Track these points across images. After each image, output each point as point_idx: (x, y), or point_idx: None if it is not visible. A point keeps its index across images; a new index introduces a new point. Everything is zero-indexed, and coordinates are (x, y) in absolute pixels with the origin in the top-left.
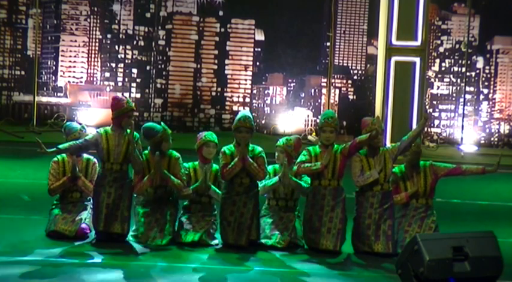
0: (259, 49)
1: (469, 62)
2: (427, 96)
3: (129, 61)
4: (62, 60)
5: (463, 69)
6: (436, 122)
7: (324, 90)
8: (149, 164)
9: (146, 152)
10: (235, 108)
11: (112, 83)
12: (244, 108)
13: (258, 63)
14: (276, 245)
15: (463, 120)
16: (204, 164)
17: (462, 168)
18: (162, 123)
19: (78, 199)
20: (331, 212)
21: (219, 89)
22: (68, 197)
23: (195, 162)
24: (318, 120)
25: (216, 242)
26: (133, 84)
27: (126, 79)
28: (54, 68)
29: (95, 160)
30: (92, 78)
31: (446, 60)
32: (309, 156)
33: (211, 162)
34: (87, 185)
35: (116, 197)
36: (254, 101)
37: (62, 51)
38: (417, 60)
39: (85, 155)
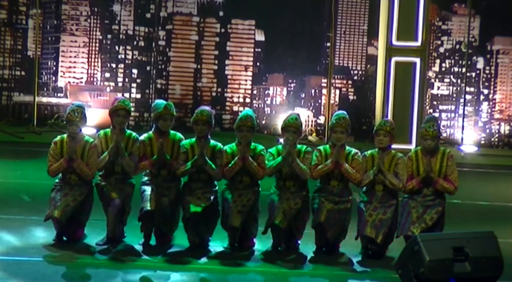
0: (260, 49)
1: (469, 62)
2: (427, 96)
3: (130, 61)
4: (62, 61)
5: (463, 70)
6: None
7: (324, 91)
8: (152, 144)
9: (151, 132)
10: (235, 108)
11: (112, 84)
12: (244, 109)
13: (258, 64)
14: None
15: (463, 121)
16: (200, 140)
17: (454, 187)
18: (168, 101)
19: (76, 182)
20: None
21: (219, 90)
22: (67, 179)
23: (192, 139)
24: (318, 121)
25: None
26: (134, 85)
27: (127, 79)
28: (54, 68)
29: (94, 143)
30: (92, 79)
31: (447, 61)
32: (320, 157)
33: (208, 138)
34: (82, 168)
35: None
36: (254, 102)
37: (62, 51)
38: (417, 60)
39: (85, 137)
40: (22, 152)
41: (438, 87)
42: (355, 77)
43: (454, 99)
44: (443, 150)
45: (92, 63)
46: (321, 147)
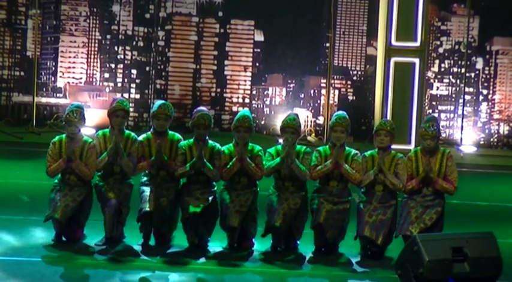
0: (259, 50)
1: (468, 62)
2: (426, 97)
3: (129, 62)
4: (61, 61)
5: (463, 70)
6: None
7: (324, 91)
8: (150, 145)
9: (149, 133)
10: (234, 109)
11: (111, 84)
12: (244, 109)
13: (257, 64)
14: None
15: (462, 121)
16: (199, 142)
17: (453, 187)
18: (164, 101)
19: (75, 182)
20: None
21: (219, 90)
22: (66, 179)
23: (190, 140)
24: (317, 121)
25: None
26: (133, 85)
27: (126, 80)
28: (53, 68)
29: (93, 143)
30: (91, 79)
31: (446, 61)
32: (320, 157)
33: (206, 139)
34: (81, 169)
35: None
36: (254, 102)
37: (62, 52)
38: (417, 61)
39: (84, 137)
40: (21, 152)
41: (437, 88)
42: (355, 78)
43: (453, 99)
44: (442, 150)
45: (91, 64)
46: (321, 148)
